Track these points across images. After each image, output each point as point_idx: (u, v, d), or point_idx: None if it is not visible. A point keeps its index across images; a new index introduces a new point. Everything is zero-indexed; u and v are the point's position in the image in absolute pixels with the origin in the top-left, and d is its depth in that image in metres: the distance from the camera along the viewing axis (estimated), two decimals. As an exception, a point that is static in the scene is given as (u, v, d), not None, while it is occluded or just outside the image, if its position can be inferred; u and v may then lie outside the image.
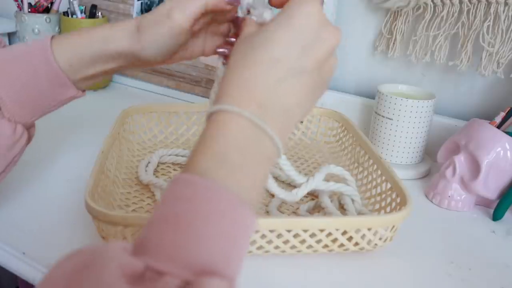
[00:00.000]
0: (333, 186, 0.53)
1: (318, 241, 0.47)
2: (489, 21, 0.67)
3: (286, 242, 0.46)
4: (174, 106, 0.73)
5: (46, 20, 0.91)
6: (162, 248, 0.26)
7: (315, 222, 0.46)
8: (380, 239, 0.48)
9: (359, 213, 0.54)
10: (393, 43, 0.76)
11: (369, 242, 0.48)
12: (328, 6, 0.77)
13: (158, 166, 0.66)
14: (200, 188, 0.28)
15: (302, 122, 0.76)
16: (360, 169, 0.63)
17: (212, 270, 0.26)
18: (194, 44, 0.49)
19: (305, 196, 0.61)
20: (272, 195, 0.60)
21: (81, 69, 0.46)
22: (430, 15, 0.71)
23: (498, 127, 0.61)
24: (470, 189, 0.60)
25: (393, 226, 0.48)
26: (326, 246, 0.48)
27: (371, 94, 0.82)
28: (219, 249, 0.27)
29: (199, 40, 0.49)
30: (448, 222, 0.59)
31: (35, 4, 0.92)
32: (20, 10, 0.92)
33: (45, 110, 0.48)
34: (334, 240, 0.47)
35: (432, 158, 0.73)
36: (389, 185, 0.55)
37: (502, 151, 0.58)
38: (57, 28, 0.94)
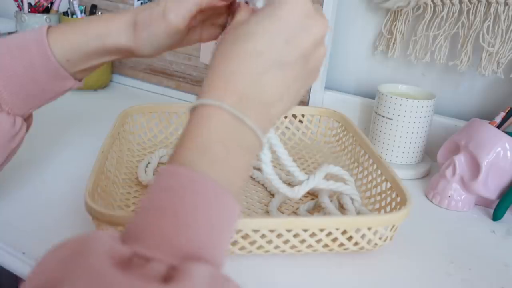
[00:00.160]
0: (333, 185, 0.53)
1: (318, 241, 0.47)
2: (489, 21, 0.67)
3: (286, 241, 0.46)
4: (174, 106, 0.73)
5: (46, 20, 0.91)
6: (149, 235, 0.27)
7: (315, 222, 0.46)
8: (380, 238, 0.48)
9: (359, 212, 0.54)
10: (393, 43, 0.76)
11: (369, 241, 0.48)
12: (328, 6, 0.77)
13: (158, 166, 0.66)
14: (184, 178, 0.29)
15: (301, 121, 0.76)
16: (360, 168, 0.63)
17: (197, 256, 0.27)
18: (191, 35, 0.49)
19: (305, 196, 0.61)
20: (273, 195, 0.60)
21: (78, 63, 0.47)
22: (430, 15, 0.71)
23: (498, 127, 0.61)
24: (470, 189, 0.60)
25: (393, 226, 0.48)
26: (326, 245, 0.48)
27: (371, 94, 0.82)
28: (203, 236, 0.28)
29: (195, 31, 0.49)
30: (448, 222, 0.59)
31: (35, 4, 0.92)
32: (20, 10, 0.92)
33: (43, 102, 0.49)
34: (334, 240, 0.47)
35: (432, 158, 0.73)
36: (389, 185, 0.55)
37: (502, 151, 0.58)
38: (57, 28, 0.94)
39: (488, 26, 0.68)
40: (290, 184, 0.63)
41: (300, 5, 0.35)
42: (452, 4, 0.69)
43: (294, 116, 0.76)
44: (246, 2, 0.42)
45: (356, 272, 0.48)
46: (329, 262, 0.48)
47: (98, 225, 0.46)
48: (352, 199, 0.55)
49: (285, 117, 0.75)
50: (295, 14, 0.35)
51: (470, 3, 0.68)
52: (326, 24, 0.37)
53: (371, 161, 0.60)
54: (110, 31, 0.45)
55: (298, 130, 0.76)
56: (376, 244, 0.48)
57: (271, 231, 0.45)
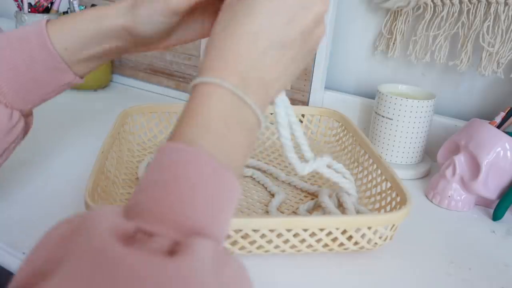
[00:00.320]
0: (333, 174, 0.53)
1: (318, 241, 0.47)
2: (489, 21, 0.67)
3: (286, 241, 0.46)
4: (174, 106, 0.73)
5: (46, 20, 0.91)
6: (152, 210, 0.27)
7: (315, 221, 0.46)
8: (380, 238, 0.48)
9: (358, 211, 0.54)
10: (393, 43, 0.76)
11: (369, 241, 0.48)
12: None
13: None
14: (186, 154, 0.29)
15: (301, 121, 0.76)
16: (360, 168, 0.63)
17: (199, 231, 0.27)
18: (192, 26, 0.47)
19: (305, 196, 0.61)
20: (273, 195, 0.60)
21: (76, 51, 0.45)
22: (430, 15, 0.71)
23: (498, 127, 0.61)
24: (470, 189, 0.60)
25: (393, 225, 0.48)
26: (326, 245, 0.48)
27: (371, 94, 0.82)
28: (205, 211, 0.28)
29: (197, 22, 0.47)
30: (448, 222, 0.59)
31: (35, 4, 0.92)
32: (20, 10, 0.92)
33: (42, 97, 0.48)
34: (334, 239, 0.47)
35: (432, 158, 0.73)
36: (389, 184, 0.55)
37: (502, 151, 0.58)
38: (57, 28, 0.94)
39: (488, 26, 0.68)
40: (289, 184, 0.63)
41: None
42: (452, 4, 0.69)
43: (294, 116, 0.76)
44: None
45: (356, 272, 0.48)
46: (329, 262, 0.48)
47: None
48: (348, 194, 0.55)
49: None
50: None
51: (470, 3, 0.68)
52: (326, 2, 0.36)
53: (371, 160, 0.60)
54: (108, 12, 0.45)
55: (298, 130, 0.76)
56: (376, 243, 0.48)
57: (271, 230, 0.45)
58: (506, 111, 0.62)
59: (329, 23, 0.79)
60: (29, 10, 0.92)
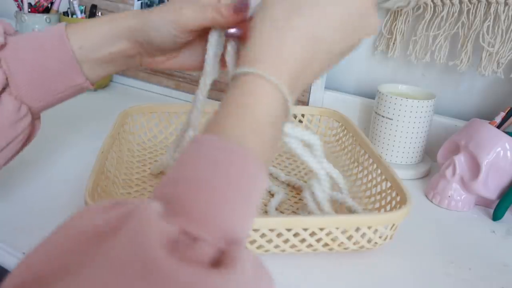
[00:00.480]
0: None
1: (318, 240, 0.47)
2: (489, 21, 0.67)
3: (286, 241, 0.46)
4: (174, 106, 0.73)
5: (46, 20, 0.91)
6: (198, 212, 0.26)
7: (315, 221, 0.46)
8: (380, 237, 0.48)
9: (348, 208, 0.54)
10: (393, 43, 0.77)
11: (369, 240, 0.48)
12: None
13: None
14: (238, 157, 0.28)
15: (301, 121, 0.76)
16: (360, 168, 0.63)
17: (238, 238, 0.26)
18: (196, 53, 0.49)
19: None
20: (272, 195, 0.60)
21: (89, 51, 0.47)
22: (430, 15, 0.71)
23: (498, 127, 0.61)
24: (470, 189, 0.60)
25: (393, 224, 0.48)
26: (326, 245, 0.48)
27: (371, 94, 0.82)
28: (244, 218, 0.27)
29: (199, 51, 0.49)
30: (448, 222, 0.59)
31: (35, 4, 0.93)
32: (20, 10, 0.92)
33: (52, 97, 0.48)
34: (334, 239, 0.47)
35: (432, 158, 0.73)
36: (389, 184, 0.55)
37: (502, 151, 0.58)
38: (57, 28, 0.94)
39: (488, 26, 0.68)
40: (289, 184, 0.63)
41: None
42: (452, 4, 0.69)
43: (294, 116, 0.76)
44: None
45: (356, 271, 0.48)
46: (329, 261, 0.48)
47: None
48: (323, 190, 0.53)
49: (285, 117, 0.75)
50: (364, 5, 0.34)
51: (470, 3, 0.68)
52: (378, 23, 0.37)
53: (371, 160, 0.60)
54: (123, 15, 0.47)
55: (298, 130, 0.76)
56: (376, 243, 0.48)
57: (271, 230, 0.45)
58: (506, 111, 0.62)
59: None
60: (29, 10, 0.92)
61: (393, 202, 0.53)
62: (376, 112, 0.70)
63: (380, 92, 0.69)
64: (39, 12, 0.92)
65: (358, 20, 0.35)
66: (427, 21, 0.72)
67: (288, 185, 0.64)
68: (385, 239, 0.49)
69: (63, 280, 0.21)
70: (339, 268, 0.48)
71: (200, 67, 0.49)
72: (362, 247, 0.48)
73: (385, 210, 0.54)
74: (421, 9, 0.72)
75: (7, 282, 0.22)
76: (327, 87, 0.85)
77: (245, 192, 0.28)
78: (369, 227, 0.47)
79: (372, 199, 0.58)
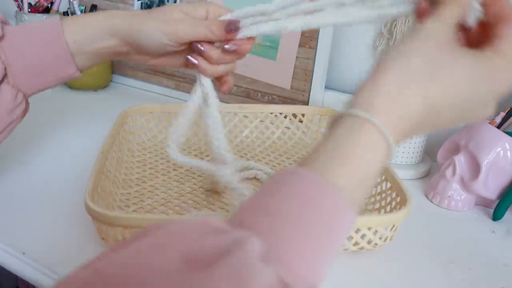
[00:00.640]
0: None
1: (318, 241, 0.47)
2: (489, 21, 0.67)
3: (286, 242, 0.46)
4: (174, 106, 0.73)
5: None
6: (295, 262, 0.25)
7: (315, 222, 0.46)
8: (380, 238, 0.48)
9: None
10: (393, 43, 0.76)
11: (369, 241, 0.48)
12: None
13: (159, 166, 0.66)
14: (339, 205, 0.28)
15: (302, 121, 0.76)
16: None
17: (318, 283, 0.26)
18: (184, 53, 0.51)
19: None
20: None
21: (82, 45, 0.49)
22: (430, 15, 0.71)
23: (498, 127, 0.61)
24: (470, 189, 0.60)
25: (393, 225, 0.48)
26: (326, 246, 0.48)
27: (371, 94, 0.82)
28: (327, 265, 0.27)
29: (188, 51, 0.50)
30: (448, 222, 0.59)
31: (35, 4, 0.92)
32: (20, 10, 0.92)
33: (44, 85, 0.51)
34: (334, 240, 0.47)
35: (432, 158, 0.73)
36: (389, 184, 0.55)
37: (502, 151, 0.58)
38: (57, 28, 0.94)
39: (488, 26, 0.67)
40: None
41: None
42: (452, 4, 0.69)
43: (294, 115, 0.76)
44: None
45: (356, 272, 0.48)
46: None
47: (98, 226, 0.46)
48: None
49: (285, 117, 0.76)
50: (486, 91, 0.33)
51: (470, 3, 0.68)
52: (494, 113, 0.35)
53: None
54: (119, 14, 0.49)
55: (298, 130, 0.76)
56: (376, 244, 0.48)
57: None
58: (506, 111, 0.62)
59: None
60: (29, 10, 0.92)
61: (393, 203, 0.53)
62: (376, 112, 0.70)
63: (380, 92, 0.69)
64: (39, 12, 0.92)
65: (477, 106, 0.34)
66: (427, 21, 0.72)
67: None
68: (385, 240, 0.49)
69: None
70: (339, 269, 0.48)
71: (186, 65, 0.52)
72: (362, 248, 0.48)
73: (385, 211, 0.54)
74: (421, 9, 0.72)
75: None
76: (327, 87, 0.85)
77: (339, 243, 0.27)
78: (369, 228, 0.47)
79: (372, 199, 0.58)
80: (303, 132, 0.76)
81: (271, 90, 0.85)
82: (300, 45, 0.80)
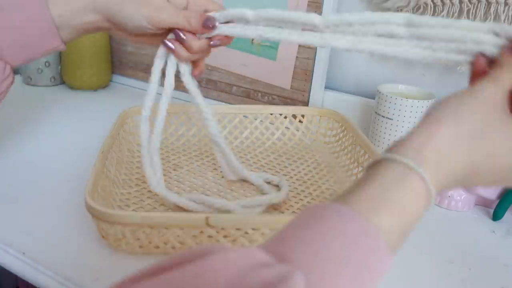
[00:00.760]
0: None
1: (318, 241, 0.47)
2: (489, 21, 0.67)
3: (286, 241, 0.46)
4: (174, 107, 0.73)
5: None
6: None
7: (315, 222, 0.46)
8: (380, 238, 0.48)
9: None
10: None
11: (369, 241, 0.48)
12: (328, 6, 0.77)
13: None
14: (380, 247, 0.27)
15: (301, 122, 0.76)
16: (360, 168, 0.63)
17: None
18: (163, 35, 0.52)
19: (305, 196, 0.61)
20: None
21: (68, 19, 0.50)
22: (430, 15, 0.71)
23: (498, 127, 0.61)
24: (470, 189, 0.60)
25: (393, 226, 0.48)
26: (326, 245, 0.48)
27: (371, 94, 0.82)
28: None
29: (167, 32, 0.52)
30: (448, 222, 0.59)
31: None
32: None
33: (30, 57, 0.52)
34: (334, 240, 0.47)
35: (432, 158, 0.73)
36: (389, 185, 0.54)
37: (502, 151, 0.58)
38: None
39: (488, 26, 0.68)
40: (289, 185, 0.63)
41: None
42: (452, 4, 0.69)
43: (294, 116, 0.76)
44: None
45: (356, 272, 0.48)
46: (329, 262, 0.48)
47: (98, 224, 0.46)
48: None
49: (285, 117, 0.76)
50: None
51: (470, 3, 0.68)
52: None
53: (371, 160, 0.60)
54: None
55: (298, 130, 0.76)
56: (376, 244, 0.48)
57: (271, 230, 0.45)
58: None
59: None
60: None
61: (393, 202, 0.52)
62: (376, 112, 0.70)
63: (380, 92, 0.69)
64: None
65: None
66: (427, 21, 0.72)
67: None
68: (385, 239, 0.49)
69: None
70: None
71: (155, 44, 0.54)
72: (362, 247, 0.48)
73: (385, 210, 0.54)
74: (421, 9, 0.72)
75: None
76: (327, 87, 0.85)
77: (374, 286, 0.27)
78: (369, 227, 0.46)
79: (372, 199, 0.58)
80: (303, 132, 0.76)
81: (271, 90, 0.85)
82: (300, 45, 0.80)
